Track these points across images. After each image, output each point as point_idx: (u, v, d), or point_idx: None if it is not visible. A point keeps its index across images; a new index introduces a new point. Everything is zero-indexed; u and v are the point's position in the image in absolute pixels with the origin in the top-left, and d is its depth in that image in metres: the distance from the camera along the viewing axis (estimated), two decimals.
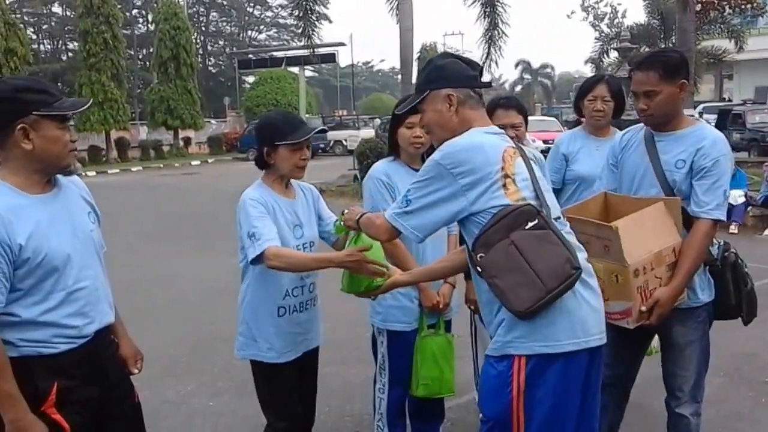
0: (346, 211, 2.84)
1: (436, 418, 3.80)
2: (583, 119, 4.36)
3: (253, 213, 2.95)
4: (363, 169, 17.76)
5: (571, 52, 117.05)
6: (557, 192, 4.22)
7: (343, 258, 2.80)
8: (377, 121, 36.80)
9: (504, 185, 2.34)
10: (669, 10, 26.97)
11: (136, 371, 2.75)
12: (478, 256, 2.34)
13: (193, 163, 32.69)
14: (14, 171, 2.30)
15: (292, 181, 3.23)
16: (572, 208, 3.15)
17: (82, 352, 2.39)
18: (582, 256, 2.40)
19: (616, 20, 33.84)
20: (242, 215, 2.98)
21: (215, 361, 3.76)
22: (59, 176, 2.44)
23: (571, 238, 2.43)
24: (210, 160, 32.96)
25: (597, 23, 33.98)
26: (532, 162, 2.50)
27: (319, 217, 3.30)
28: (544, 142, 19.77)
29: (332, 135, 35.40)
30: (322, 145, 33.92)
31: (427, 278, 3.19)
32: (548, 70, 72.29)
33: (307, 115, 18.94)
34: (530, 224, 2.30)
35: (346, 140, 30.91)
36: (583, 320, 2.36)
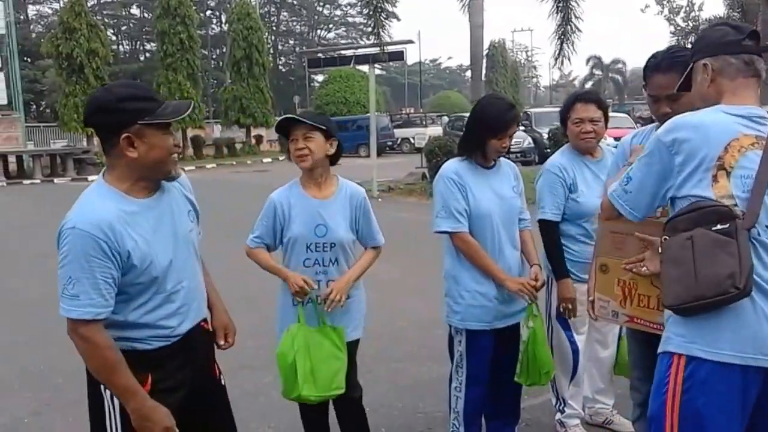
0: None
1: (512, 419, 3.77)
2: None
3: (262, 211, 3.37)
4: (432, 167, 17.73)
5: (644, 46, 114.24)
6: None
7: (288, 275, 3.19)
8: (445, 118, 36.69)
9: (714, 176, 2.20)
10: (750, 2, 25.99)
11: (221, 342, 2.80)
12: (664, 237, 2.29)
13: (265, 160, 33.14)
14: (121, 177, 2.37)
15: (342, 181, 3.39)
16: None
17: (175, 347, 2.48)
18: None
19: (693, 14, 32.77)
20: None
21: None
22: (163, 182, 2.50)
23: None
24: (281, 158, 33.32)
25: (672, 17, 32.88)
26: None
27: (360, 225, 3.37)
28: (616, 139, 18.90)
29: (399, 133, 35.46)
30: (389, 143, 34.01)
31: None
32: (620, 65, 70.86)
33: (376, 113, 19.02)
34: (718, 226, 2.15)
35: (413, 138, 30.86)
36: (760, 337, 2.15)
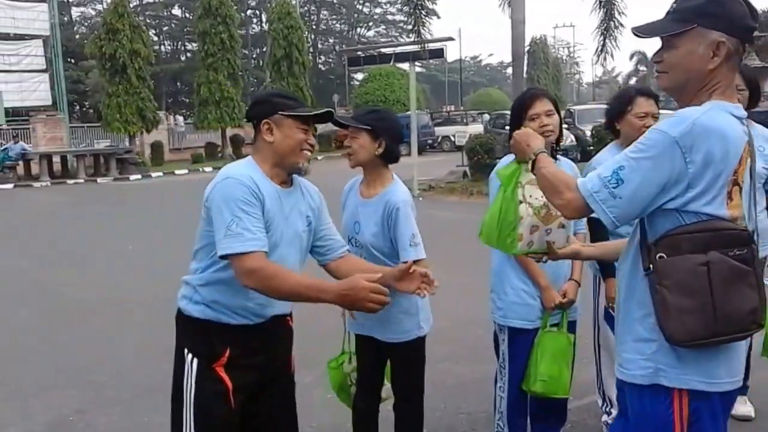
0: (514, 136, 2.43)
1: (558, 420, 3.69)
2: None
3: None
4: (473, 166, 17.64)
5: None
6: None
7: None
8: (486, 116, 36.49)
9: (730, 193, 1.93)
10: None
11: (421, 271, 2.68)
12: (658, 255, 1.96)
13: None
14: (263, 159, 2.70)
15: (392, 186, 3.30)
16: None
17: (256, 328, 2.67)
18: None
19: None
20: None
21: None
22: (298, 181, 2.79)
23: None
24: (319, 157, 33.51)
25: None
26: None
27: (391, 234, 3.23)
28: None
29: (440, 131, 35.35)
30: (429, 141, 33.91)
31: (609, 254, 2.63)
32: None
33: (416, 111, 18.99)
34: (735, 252, 1.92)
35: (453, 136, 30.74)
36: (740, 357, 2.08)
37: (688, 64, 2.02)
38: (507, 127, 3.59)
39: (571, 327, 3.51)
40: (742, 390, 4.24)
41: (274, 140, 2.67)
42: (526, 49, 24.55)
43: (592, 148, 17.26)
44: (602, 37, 18.27)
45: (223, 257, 2.49)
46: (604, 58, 18.75)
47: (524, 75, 20.39)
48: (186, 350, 2.67)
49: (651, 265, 1.98)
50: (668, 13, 2.10)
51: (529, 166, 2.25)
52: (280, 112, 2.67)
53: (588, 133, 21.03)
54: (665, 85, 2.14)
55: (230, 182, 2.55)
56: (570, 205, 2.06)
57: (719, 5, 1.98)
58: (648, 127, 3.60)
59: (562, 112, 3.61)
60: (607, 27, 18.21)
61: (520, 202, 2.47)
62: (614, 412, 3.94)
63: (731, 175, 1.92)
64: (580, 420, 4.19)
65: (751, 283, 1.93)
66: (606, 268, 3.69)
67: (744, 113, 2.02)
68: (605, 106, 3.96)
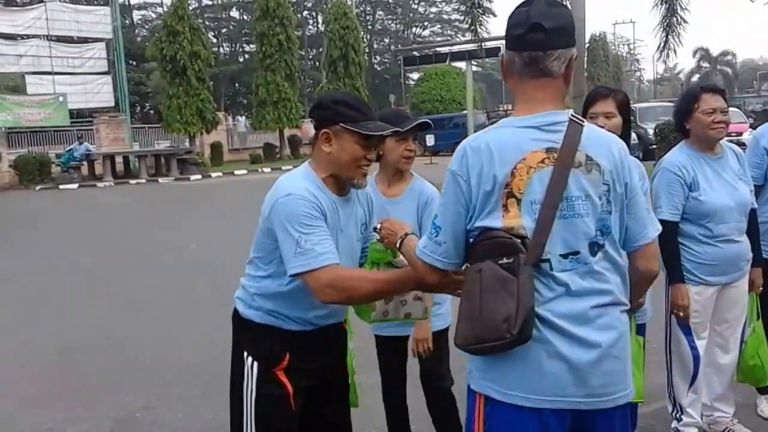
0: (381, 225, 2.58)
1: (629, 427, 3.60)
2: None
3: None
4: None
5: (754, 37, 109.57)
6: (759, 188, 3.93)
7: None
8: None
9: (505, 206, 1.99)
10: None
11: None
12: (465, 264, 2.10)
13: None
14: (318, 167, 2.61)
15: (416, 180, 3.42)
16: None
17: (311, 335, 2.65)
18: (583, 305, 1.99)
19: None
20: None
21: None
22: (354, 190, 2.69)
23: (578, 281, 2.00)
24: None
25: None
26: (581, 176, 2.01)
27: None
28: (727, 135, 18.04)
29: None
30: None
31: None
32: (729, 57, 68.02)
33: (473, 110, 18.84)
34: (504, 260, 1.95)
35: None
36: (555, 378, 1.97)
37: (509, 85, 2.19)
38: None
39: (640, 330, 3.41)
40: None
41: (332, 152, 2.55)
42: (586, 46, 24.19)
43: (655, 146, 16.86)
44: (664, 34, 17.81)
45: (294, 275, 2.43)
46: (666, 55, 18.26)
47: (584, 73, 20.07)
48: (245, 353, 2.66)
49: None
50: None
51: (398, 246, 2.40)
52: (341, 124, 2.53)
53: (650, 132, 20.59)
54: None
55: (292, 199, 2.46)
56: (425, 276, 2.17)
57: (509, 25, 2.10)
58: (717, 123, 3.52)
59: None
60: (669, 23, 17.74)
61: None
62: (685, 418, 3.83)
63: (503, 188, 1.98)
64: (647, 426, 4.07)
65: (511, 291, 1.92)
66: (673, 273, 3.59)
67: (537, 121, 2.02)
68: (667, 104, 3.88)
